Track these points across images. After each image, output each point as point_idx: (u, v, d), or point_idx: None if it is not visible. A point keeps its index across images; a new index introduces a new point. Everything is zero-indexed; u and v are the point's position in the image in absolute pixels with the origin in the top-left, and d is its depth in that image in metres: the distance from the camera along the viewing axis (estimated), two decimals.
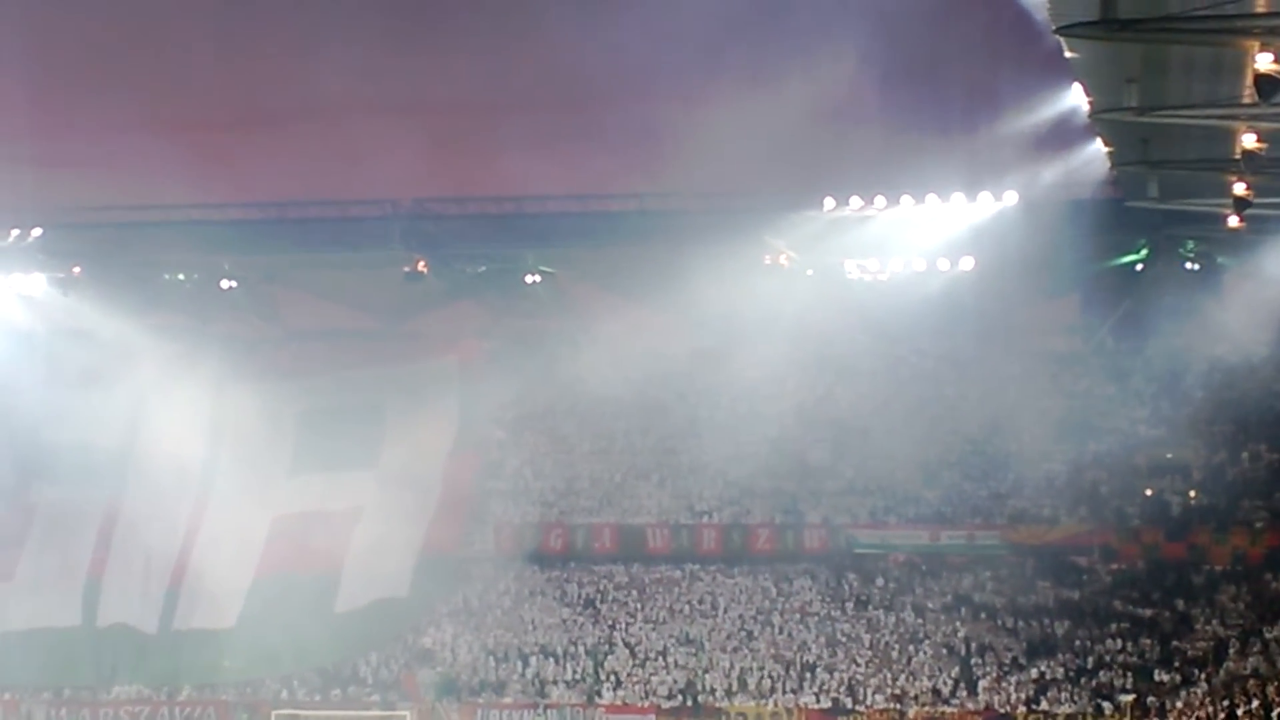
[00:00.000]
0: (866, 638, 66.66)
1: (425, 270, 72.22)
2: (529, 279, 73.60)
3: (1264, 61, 34.31)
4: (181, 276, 74.74)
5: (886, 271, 70.44)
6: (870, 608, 67.92)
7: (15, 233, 70.62)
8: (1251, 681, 60.83)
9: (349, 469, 71.11)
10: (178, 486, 71.49)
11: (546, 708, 65.84)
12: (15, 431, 72.74)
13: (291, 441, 72.30)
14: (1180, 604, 66.31)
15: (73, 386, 71.76)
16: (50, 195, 72.15)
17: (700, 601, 69.19)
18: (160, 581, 69.61)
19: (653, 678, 66.11)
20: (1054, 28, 37.10)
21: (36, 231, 70.73)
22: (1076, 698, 63.12)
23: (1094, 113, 46.32)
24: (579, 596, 70.20)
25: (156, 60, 79.22)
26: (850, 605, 68.25)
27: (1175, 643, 64.81)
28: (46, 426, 72.12)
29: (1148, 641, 64.98)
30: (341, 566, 68.73)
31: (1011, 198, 65.56)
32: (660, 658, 66.86)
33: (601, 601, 69.90)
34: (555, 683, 66.53)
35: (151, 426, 72.54)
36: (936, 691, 64.17)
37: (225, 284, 74.53)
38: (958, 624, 66.63)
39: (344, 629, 67.60)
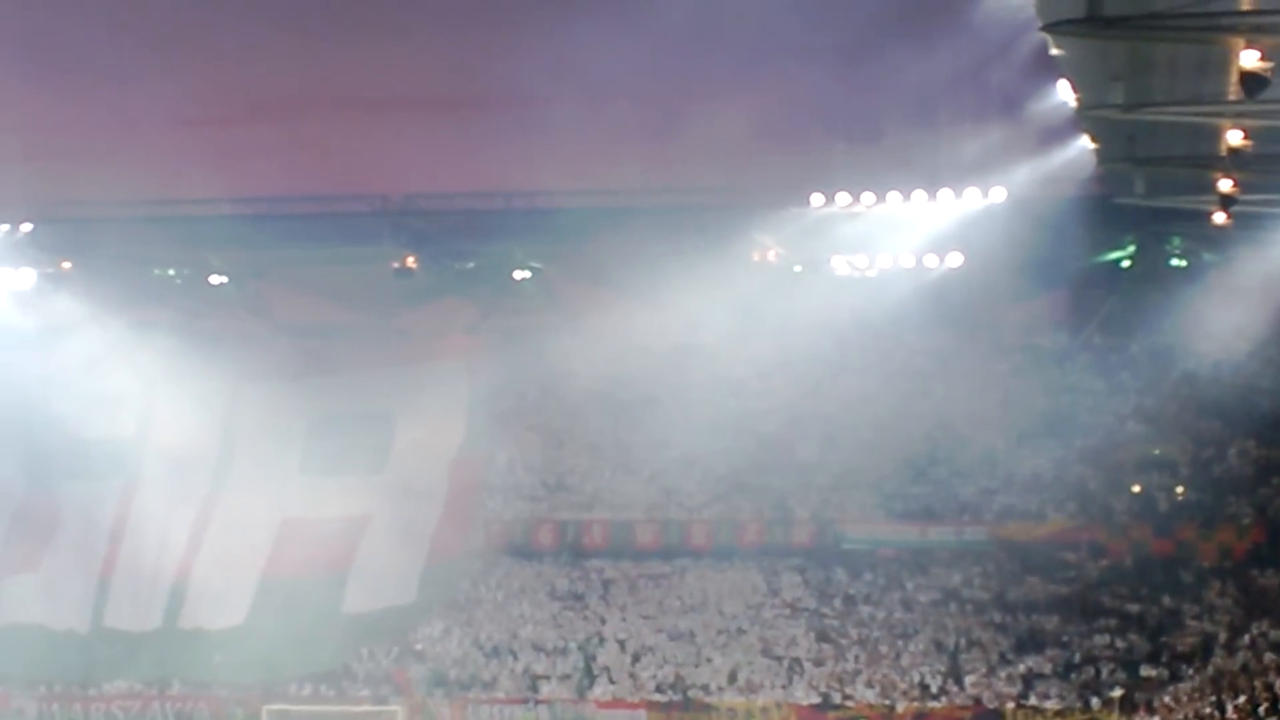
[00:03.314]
0: (855, 633, 66.83)
1: (414, 266, 72.34)
2: (518, 275, 73.68)
3: (1249, 59, 34.55)
4: (171, 272, 74.80)
5: (874, 268, 70.53)
6: (859, 603, 68.08)
7: (5, 227, 70.68)
8: (1240, 677, 61.06)
9: (357, 473, 71.21)
10: (187, 485, 71.60)
11: (537, 703, 65.91)
12: (35, 426, 72.65)
13: (301, 444, 72.40)
14: (1168, 600, 66.52)
15: (79, 383, 71.59)
16: (39, 190, 72.22)
17: (690, 596, 69.33)
18: (166, 580, 69.60)
19: (643, 673, 66.24)
20: (1040, 25, 37.29)
21: (26, 226, 70.79)
22: (1065, 693, 63.32)
23: (1080, 110, 46.54)
24: (569, 591, 70.33)
25: (145, 55, 79.10)
26: (839, 601, 68.41)
27: (1163, 638, 65.04)
28: (65, 422, 72.05)
29: (1136, 637, 65.20)
30: (348, 571, 68.80)
31: (999, 194, 65.67)
32: (651, 653, 66.98)
33: (592, 597, 70.02)
34: (546, 678, 66.61)
35: (161, 424, 72.72)
36: (925, 686, 64.34)
37: (215, 280, 74.53)
38: (946, 619, 66.82)
39: (350, 633, 67.65)
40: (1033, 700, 63.28)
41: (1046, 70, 49.02)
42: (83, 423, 71.88)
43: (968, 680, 64.29)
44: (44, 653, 68.06)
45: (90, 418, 71.72)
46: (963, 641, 65.79)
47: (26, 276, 73.03)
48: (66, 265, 73.12)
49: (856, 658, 65.84)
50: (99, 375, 71.57)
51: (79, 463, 71.88)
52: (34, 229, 70.94)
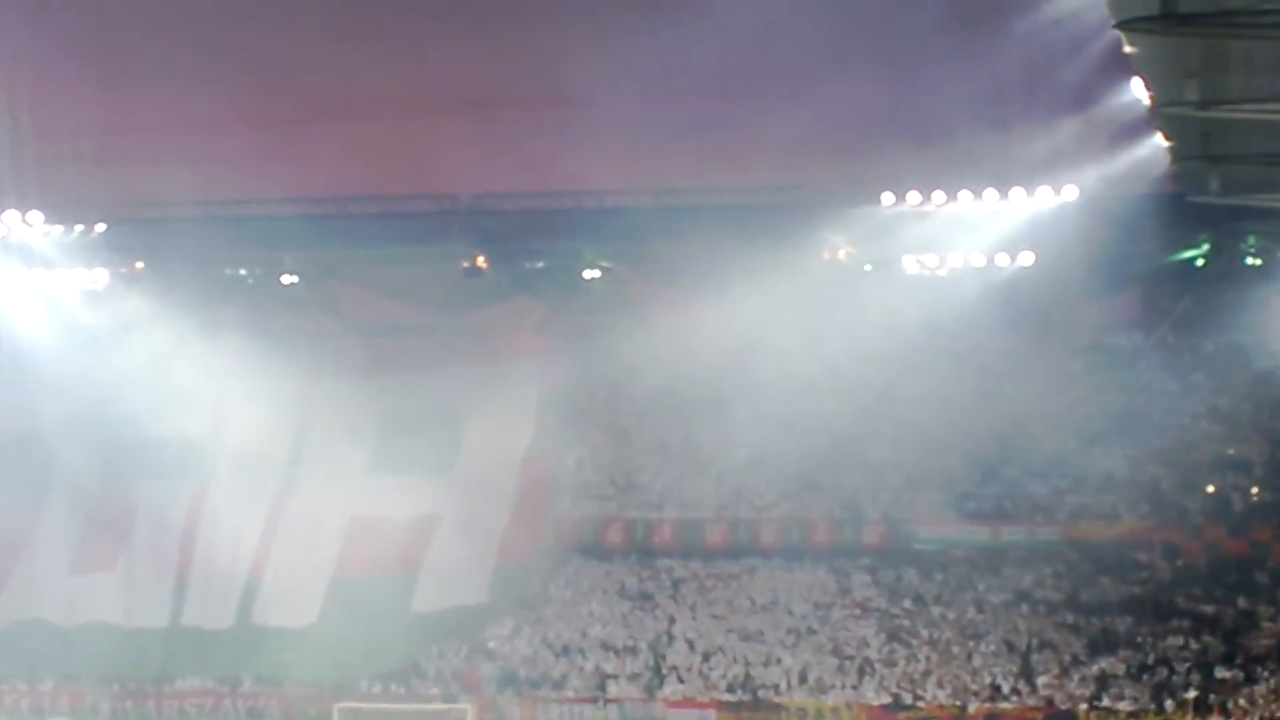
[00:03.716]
0: (926, 633, 66.50)
1: (484, 266, 72.53)
2: (587, 274, 73.72)
3: None
4: (243, 271, 75.24)
5: (945, 267, 70.26)
6: (930, 603, 67.77)
7: (79, 228, 71.28)
8: None
9: (427, 472, 71.36)
10: (259, 483, 71.98)
11: (607, 702, 65.86)
12: (110, 426, 73.22)
13: (371, 442, 72.66)
14: (1242, 601, 65.92)
15: (153, 382, 72.08)
16: (113, 190, 72.78)
17: (760, 596, 69.19)
18: (239, 578, 69.94)
19: (713, 672, 66.11)
20: (1114, 22, 36.98)
21: (100, 226, 71.35)
22: (1138, 694, 62.81)
23: (1154, 107, 46.08)
24: (638, 591, 70.29)
25: (218, 56, 79.54)
26: (910, 601, 68.13)
27: (1238, 640, 64.47)
28: (138, 421, 72.60)
29: (1210, 638, 64.64)
30: (418, 570, 69.01)
31: (1071, 192, 65.36)
32: (720, 652, 66.85)
33: (661, 596, 69.97)
34: (615, 677, 66.55)
35: (233, 423, 73.17)
36: (997, 688, 63.96)
37: (286, 279, 74.89)
38: (1018, 620, 66.44)
39: (420, 632, 67.76)
40: (1106, 702, 62.80)
41: (1119, 68, 48.69)
42: (156, 422, 72.41)
43: (1040, 681, 63.86)
44: (120, 650, 68.50)
45: (164, 417, 72.25)
46: (1035, 642, 65.37)
47: (100, 276, 73.78)
48: (139, 265, 73.79)
49: (928, 658, 65.52)
50: (172, 374, 72.06)
51: (153, 461, 72.38)
52: (107, 229, 71.57)
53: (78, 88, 74.27)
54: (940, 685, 64.32)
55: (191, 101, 77.04)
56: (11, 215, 69.81)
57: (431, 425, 72.47)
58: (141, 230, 72.44)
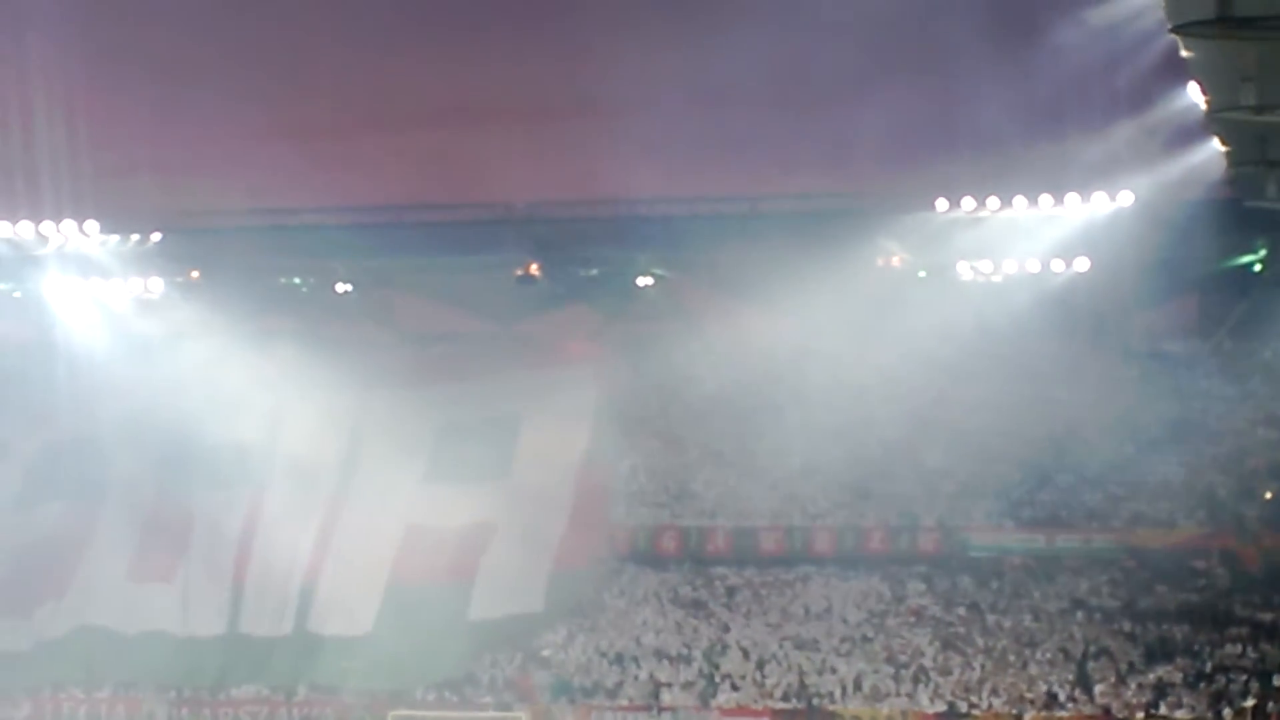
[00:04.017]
0: (981, 641, 66.22)
1: (538, 274, 72.59)
2: (641, 282, 73.70)
3: None
4: (297, 280, 75.50)
5: (999, 273, 70.03)
6: (985, 611, 67.48)
7: (135, 237, 71.68)
8: None
9: (482, 481, 71.26)
10: (316, 490, 72.17)
11: (661, 710, 65.77)
12: (165, 435, 73.63)
13: (428, 450, 72.68)
14: None
15: (208, 391, 72.45)
16: (169, 200, 73.22)
17: (814, 604, 69.02)
18: (295, 586, 70.06)
19: (767, 680, 65.98)
20: (1170, 26, 36.81)
21: (155, 236, 71.74)
22: (1195, 703, 62.42)
23: (1210, 112, 45.92)
24: (692, 599, 70.22)
25: (272, 67, 79.91)
26: (964, 609, 67.85)
27: None
28: (194, 430, 72.97)
29: (1268, 646, 64.16)
30: (474, 579, 68.79)
31: (1127, 198, 65.01)
32: (774, 660, 66.71)
33: (715, 604, 69.87)
34: (670, 685, 66.47)
35: (289, 431, 73.42)
36: (1053, 695, 63.62)
37: (340, 288, 75.13)
38: (1074, 628, 66.08)
39: (475, 640, 67.73)
40: (1163, 710, 62.41)
41: (1176, 72, 48.49)
42: (212, 430, 72.61)
43: (1096, 690, 63.52)
44: (177, 658, 68.61)
45: (219, 425, 72.46)
46: (1091, 650, 65.01)
47: (156, 286, 74.12)
48: (195, 274, 74.09)
49: (983, 666, 65.23)
50: (227, 383, 72.26)
51: (210, 470, 72.60)
52: (163, 239, 71.91)
53: (133, 99, 74.78)
54: (995, 693, 64.03)
55: (246, 112, 77.45)
56: (68, 225, 70.22)
57: (487, 433, 72.46)
58: (197, 240, 72.73)
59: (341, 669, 67.36)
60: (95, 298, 74.50)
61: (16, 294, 74.68)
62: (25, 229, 70.41)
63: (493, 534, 69.89)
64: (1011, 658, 65.41)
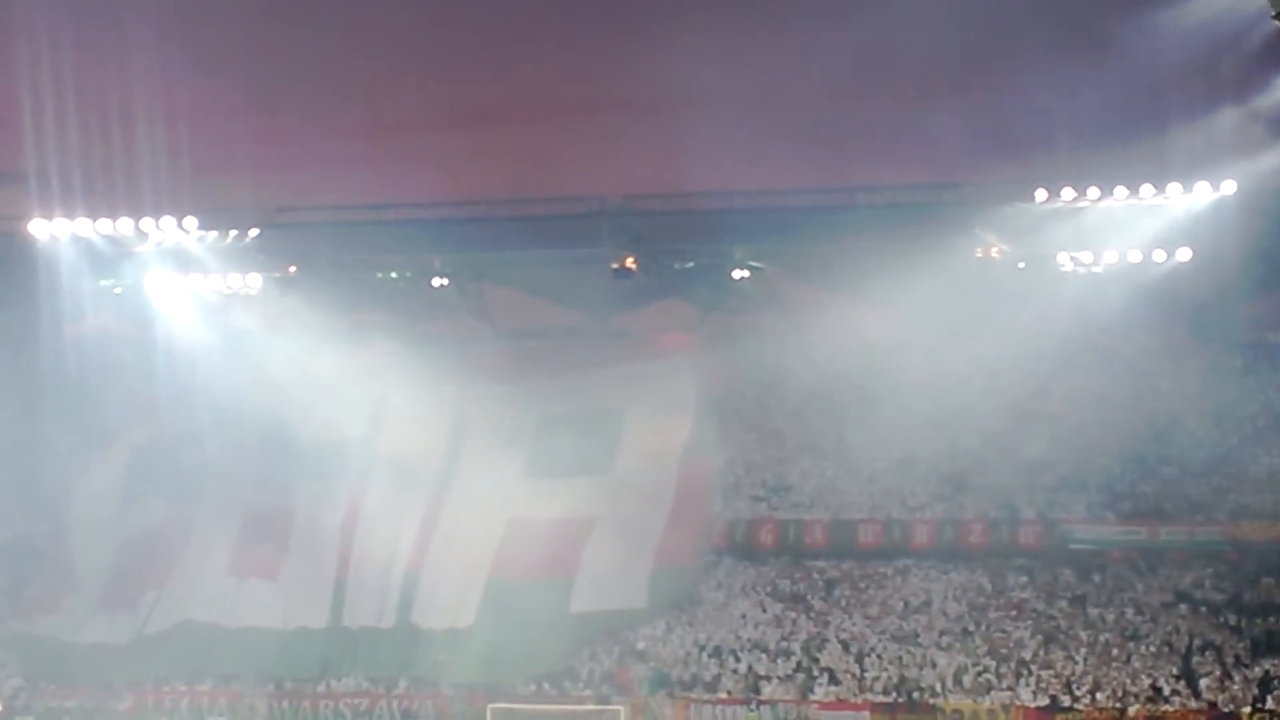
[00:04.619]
0: (1084, 635, 65.66)
1: (634, 267, 72.50)
2: (737, 274, 73.44)
3: None
4: (394, 275, 75.70)
5: (1100, 264, 69.40)
6: (1088, 604, 66.93)
7: (233, 233, 72.11)
8: None
9: (583, 475, 71.42)
10: (416, 484, 72.42)
11: (760, 704, 65.60)
12: (265, 429, 74.19)
13: (529, 444, 72.84)
14: None
15: (307, 385, 72.85)
16: (267, 196, 73.62)
17: (913, 597, 68.66)
18: (397, 579, 70.26)
19: (867, 673, 65.68)
20: (1274, 13, 36.43)
21: (254, 232, 72.15)
22: None
23: None
24: (790, 592, 69.99)
25: (367, 62, 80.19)
26: (1066, 602, 67.32)
27: None
28: (294, 424, 73.46)
29: None
30: (575, 573, 68.83)
31: (1230, 187, 64.37)
32: (874, 654, 66.39)
33: (814, 597, 69.61)
34: (768, 678, 66.28)
35: (391, 425, 73.73)
36: (1157, 689, 63.01)
37: (437, 282, 75.30)
38: (1178, 621, 65.48)
39: (576, 634, 67.78)
40: (1270, 704, 61.69)
41: (1278, 59, 47.95)
42: (312, 424, 73.17)
43: (1202, 684, 62.85)
44: (279, 651, 68.98)
45: (319, 419, 73.01)
46: (1196, 644, 64.36)
47: (254, 281, 74.54)
48: (292, 269, 74.41)
49: (1085, 660, 64.69)
50: (326, 377, 72.71)
51: (310, 464, 73.09)
52: (261, 234, 72.25)
53: (232, 96, 75.18)
54: (1098, 687, 63.47)
55: (342, 108, 77.75)
56: (168, 221, 70.78)
57: (588, 427, 72.55)
58: (294, 235, 73.01)
59: (442, 661, 67.55)
60: (194, 293, 75.09)
61: (117, 289, 75.22)
62: (125, 225, 71.06)
63: (593, 528, 69.92)
64: (1114, 651, 64.83)
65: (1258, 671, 62.89)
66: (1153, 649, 64.56)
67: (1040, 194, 66.14)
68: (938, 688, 64.75)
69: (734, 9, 73.20)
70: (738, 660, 67.16)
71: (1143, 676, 63.51)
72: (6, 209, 73.20)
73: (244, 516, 73.09)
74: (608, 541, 69.23)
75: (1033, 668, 64.73)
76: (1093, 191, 65.72)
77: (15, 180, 73.63)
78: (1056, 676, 64.23)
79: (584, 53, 76.61)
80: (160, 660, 69.50)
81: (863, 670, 65.94)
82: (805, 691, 65.67)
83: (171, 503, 73.75)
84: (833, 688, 65.59)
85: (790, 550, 71.29)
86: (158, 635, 70.13)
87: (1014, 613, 67.29)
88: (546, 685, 67.03)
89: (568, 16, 76.43)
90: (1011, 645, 65.83)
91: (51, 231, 71.16)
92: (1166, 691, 62.92)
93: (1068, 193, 65.91)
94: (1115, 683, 63.47)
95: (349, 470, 73.17)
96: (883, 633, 67.36)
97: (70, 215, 70.80)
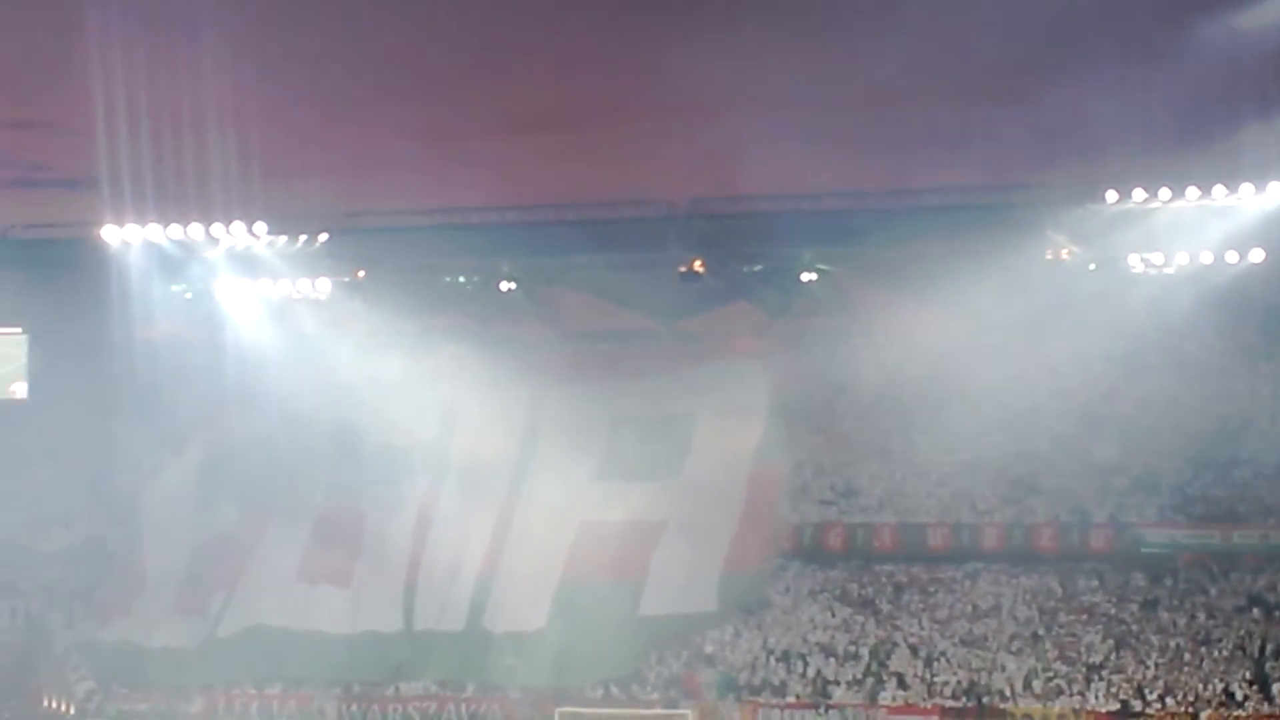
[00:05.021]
0: (1155, 639, 65.09)
1: (701, 270, 72.40)
2: (805, 277, 73.17)
3: None
4: (462, 279, 75.83)
5: (1172, 265, 68.80)
6: (1159, 608, 66.34)
7: (303, 238, 72.42)
8: None
9: (655, 478, 71.37)
10: (488, 487, 72.57)
11: (828, 708, 65.33)
12: (338, 433, 74.57)
13: (601, 447, 72.83)
14: None
15: (377, 389, 73.11)
16: (335, 201, 74.12)
17: (983, 600, 68.25)
18: (469, 582, 70.32)
19: (936, 678, 65.32)
20: None
21: (323, 236, 72.43)
22: None
23: None
24: (859, 596, 69.71)
25: (434, 69, 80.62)
26: (1137, 606, 66.76)
27: None
28: (365, 428, 73.79)
29: None
30: (645, 577, 68.73)
31: None
32: (943, 658, 66.02)
33: (882, 601, 69.31)
34: (836, 683, 66.03)
35: (463, 428, 73.89)
36: (1230, 694, 62.38)
37: (504, 286, 75.36)
38: (1251, 625, 64.80)
39: (645, 638, 67.68)
40: None
41: None
42: (382, 428, 73.49)
43: (1275, 688, 62.22)
44: (349, 655, 69.27)
45: (389, 423, 73.28)
46: (1269, 648, 63.67)
47: (323, 285, 74.86)
48: (361, 274, 74.67)
49: (1157, 664, 64.12)
50: (395, 381, 72.92)
51: (381, 467, 73.38)
52: (330, 239, 72.51)
53: (301, 103, 75.73)
54: (1170, 692, 62.88)
55: (410, 113, 78.24)
56: (238, 227, 71.15)
57: (660, 431, 72.50)
58: (363, 239, 73.25)
59: (512, 665, 67.56)
60: (263, 298, 75.42)
61: (188, 295, 75.78)
62: (196, 230, 71.52)
63: (664, 531, 69.81)
64: (1186, 656, 64.23)
65: None
66: (1225, 653, 63.93)
67: (1111, 195, 65.57)
68: (1007, 692, 64.34)
69: (803, 12, 73.19)
70: (806, 664, 66.94)
71: (1215, 681, 62.92)
72: (80, 215, 74.16)
73: (314, 520, 73.37)
74: (678, 545, 69.12)
75: (1103, 672, 64.22)
76: (1164, 192, 65.11)
77: (88, 186, 74.48)
78: (1128, 681, 63.73)
79: (649, 57, 76.85)
80: (231, 664, 69.88)
81: (932, 675, 65.60)
82: (874, 696, 65.38)
83: (242, 506, 74.16)
84: (901, 692, 65.28)
85: (859, 554, 70.97)
86: (228, 639, 70.50)
87: (1084, 617, 66.78)
88: (614, 689, 67.00)
89: (633, 22, 76.69)
90: (1082, 649, 65.33)
91: (123, 237, 71.72)
92: (1239, 696, 62.28)
93: (1139, 194, 65.29)
94: (1187, 687, 62.90)
95: (420, 474, 73.36)
96: (952, 637, 66.99)
97: (142, 221, 71.36)
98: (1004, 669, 65.15)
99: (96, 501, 75.45)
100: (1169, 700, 62.60)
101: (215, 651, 70.26)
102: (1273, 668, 62.96)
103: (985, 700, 64.22)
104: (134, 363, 75.26)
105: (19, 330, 75.92)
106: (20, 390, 75.97)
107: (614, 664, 67.10)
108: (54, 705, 70.10)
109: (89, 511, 75.33)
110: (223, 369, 75.49)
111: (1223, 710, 61.91)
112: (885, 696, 65.23)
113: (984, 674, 65.07)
